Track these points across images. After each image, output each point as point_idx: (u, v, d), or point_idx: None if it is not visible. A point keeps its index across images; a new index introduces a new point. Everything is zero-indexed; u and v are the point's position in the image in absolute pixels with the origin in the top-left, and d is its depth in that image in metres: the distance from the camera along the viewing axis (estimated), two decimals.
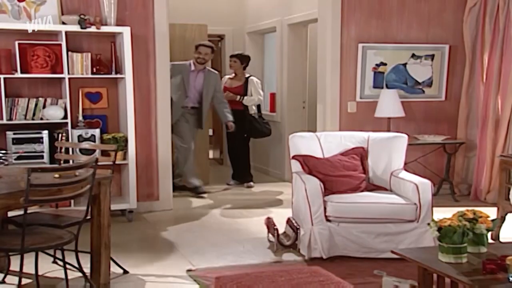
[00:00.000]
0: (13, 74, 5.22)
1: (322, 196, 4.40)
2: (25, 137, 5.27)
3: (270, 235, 4.82)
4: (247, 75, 7.36)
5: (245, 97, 7.25)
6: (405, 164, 5.00)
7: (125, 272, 4.16)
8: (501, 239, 4.88)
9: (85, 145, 4.86)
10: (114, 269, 4.08)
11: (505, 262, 2.85)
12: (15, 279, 3.57)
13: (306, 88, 7.95)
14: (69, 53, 5.33)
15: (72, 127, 5.39)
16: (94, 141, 5.42)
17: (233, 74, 7.45)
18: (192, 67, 6.74)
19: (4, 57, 5.16)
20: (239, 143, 7.39)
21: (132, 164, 5.59)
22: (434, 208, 4.47)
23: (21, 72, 5.23)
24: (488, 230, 3.21)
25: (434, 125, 6.78)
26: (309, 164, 4.77)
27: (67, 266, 3.55)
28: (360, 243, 4.40)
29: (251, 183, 7.41)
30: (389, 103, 6.21)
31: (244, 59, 7.38)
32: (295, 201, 4.74)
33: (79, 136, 5.38)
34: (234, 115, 7.07)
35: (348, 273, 4.05)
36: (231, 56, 7.47)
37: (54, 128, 5.41)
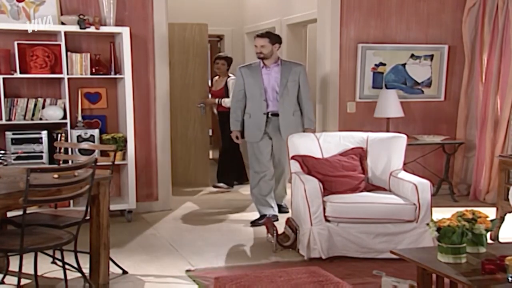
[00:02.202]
0: (12, 74, 5.22)
1: (321, 196, 4.40)
2: (24, 137, 5.27)
3: (270, 235, 4.82)
4: (230, 76, 7.10)
5: (225, 99, 6.97)
6: (404, 164, 5.00)
7: (124, 272, 4.16)
8: (500, 239, 4.88)
9: (84, 145, 4.86)
10: (113, 269, 4.08)
11: (504, 262, 2.85)
12: (14, 280, 3.58)
13: None
14: (68, 53, 5.33)
15: (71, 127, 5.39)
16: (93, 142, 5.42)
17: (217, 76, 7.27)
18: (261, 63, 5.56)
19: (3, 57, 5.16)
20: (228, 145, 7.04)
21: (131, 164, 5.59)
22: (433, 208, 4.47)
23: (20, 72, 5.22)
24: (487, 231, 3.21)
25: (433, 125, 6.78)
26: (308, 164, 4.77)
27: (66, 266, 3.55)
28: (359, 243, 4.40)
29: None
30: (388, 103, 6.21)
31: (230, 61, 7.22)
32: (294, 201, 4.74)
33: (78, 137, 5.38)
34: (221, 116, 6.98)
35: (347, 273, 4.05)
36: (219, 58, 7.24)
37: (53, 128, 5.41)
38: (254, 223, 5.46)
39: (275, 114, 5.51)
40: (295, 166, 4.80)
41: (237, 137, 5.71)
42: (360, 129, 5.78)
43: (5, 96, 5.18)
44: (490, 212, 4.05)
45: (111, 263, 3.97)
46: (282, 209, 5.88)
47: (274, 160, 5.70)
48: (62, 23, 5.38)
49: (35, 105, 5.32)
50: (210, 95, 7.51)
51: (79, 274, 3.69)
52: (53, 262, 4.19)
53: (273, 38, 5.49)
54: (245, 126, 5.64)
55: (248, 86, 5.55)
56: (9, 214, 3.96)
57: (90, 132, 5.44)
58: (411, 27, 6.59)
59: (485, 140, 6.47)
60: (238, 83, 5.64)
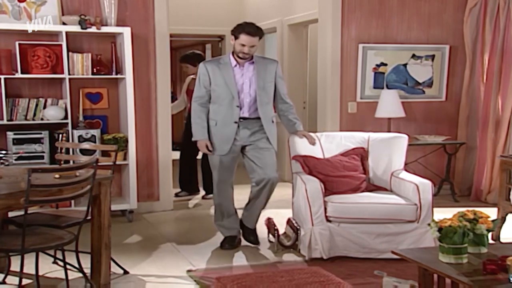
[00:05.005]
0: (13, 74, 5.23)
1: (323, 197, 4.40)
2: (26, 137, 5.28)
3: (271, 236, 4.82)
4: None
5: (172, 103, 6.46)
6: (406, 164, 4.99)
7: (126, 272, 4.16)
8: (502, 240, 4.88)
9: (86, 145, 4.85)
10: (115, 269, 4.08)
11: (505, 262, 2.85)
12: (15, 280, 3.57)
13: (307, 89, 7.95)
14: (70, 53, 5.34)
15: (73, 128, 5.40)
16: (95, 142, 5.42)
17: (193, 75, 6.57)
18: (233, 62, 4.61)
19: (4, 57, 5.17)
20: (188, 152, 6.72)
21: (133, 164, 5.59)
22: (435, 209, 4.46)
23: (22, 73, 5.23)
24: (488, 231, 3.20)
25: (434, 125, 6.78)
26: (309, 165, 4.77)
27: (68, 266, 3.55)
28: (361, 244, 4.40)
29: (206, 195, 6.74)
30: (390, 104, 6.21)
31: (192, 60, 6.70)
32: (295, 202, 4.73)
33: (80, 137, 5.38)
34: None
35: (348, 274, 4.05)
36: (180, 62, 6.87)
37: (54, 128, 5.41)
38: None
39: (250, 119, 4.63)
40: (296, 166, 4.80)
41: (207, 147, 4.65)
42: (361, 129, 5.78)
43: (6, 96, 5.18)
44: (492, 212, 4.04)
45: (112, 263, 3.97)
46: (251, 238, 4.89)
47: (257, 169, 4.67)
48: (63, 23, 5.38)
49: (37, 105, 5.33)
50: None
51: (80, 274, 3.68)
52: (54, 262, 4.19)
53: (262, 34, 4.58)
54: (210, 136, 4.67)
55: (216, 87, 4.59)
56: (11, 214, 3.96)
57: (91, 132, 5.44)
58: (412, 27, 6.59)
59: (486, 140, 6.47)
60: (203, 81, 4.62)
